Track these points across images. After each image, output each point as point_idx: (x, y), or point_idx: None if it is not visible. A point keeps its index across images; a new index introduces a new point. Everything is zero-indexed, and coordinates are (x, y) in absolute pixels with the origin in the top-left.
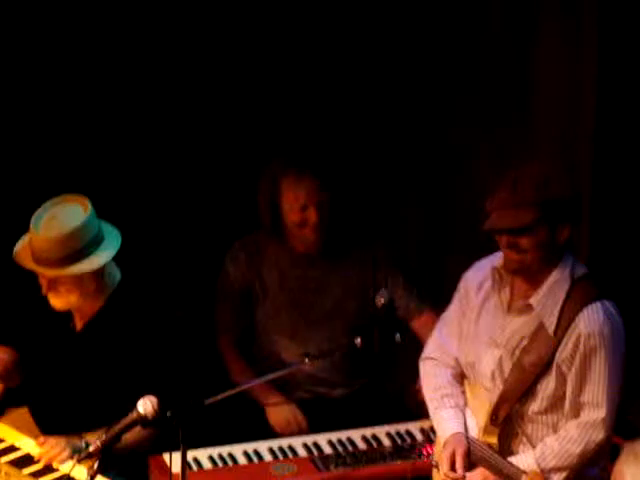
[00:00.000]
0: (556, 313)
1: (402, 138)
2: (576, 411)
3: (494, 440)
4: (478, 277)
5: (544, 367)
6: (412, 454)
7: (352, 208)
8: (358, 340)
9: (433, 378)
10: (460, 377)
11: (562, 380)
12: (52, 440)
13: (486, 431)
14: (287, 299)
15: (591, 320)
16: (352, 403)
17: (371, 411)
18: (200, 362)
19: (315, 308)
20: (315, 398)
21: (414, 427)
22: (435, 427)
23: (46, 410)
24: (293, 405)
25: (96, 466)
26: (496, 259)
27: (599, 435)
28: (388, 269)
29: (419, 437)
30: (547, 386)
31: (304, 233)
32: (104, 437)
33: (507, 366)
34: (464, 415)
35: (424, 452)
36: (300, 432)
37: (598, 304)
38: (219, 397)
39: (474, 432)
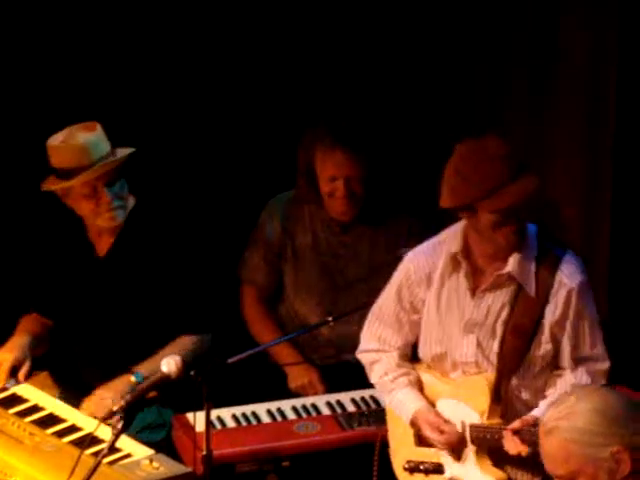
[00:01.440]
0: (533, 274)
1: (439, 119)
2: (575, 364)
3: (498, 420)
4: (423, 269)
5: (533, 332)
6: None
7: (387, 181)
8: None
9: (378, 364)
10: (407, 359)
11: (555, 341)
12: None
13: (490, 413)
14: (318, 263)
15: (573, 272)
16: None
17: None
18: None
19: (345, 274)
20: (337, 364)
21: None
22: (395, 409)
23: (81, 344)
24: (313, 368)
25: (120, 425)
26: (442, 246)
27: (604, 382)
28: (418, 239)
29: None
30: (540, 350)
31: (333, 204)
32: (128, 396)
33: (488, 345)
34: (420, 389)
35: None
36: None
37: (569, 256)
38: (242, 356)
39: (474, 419)
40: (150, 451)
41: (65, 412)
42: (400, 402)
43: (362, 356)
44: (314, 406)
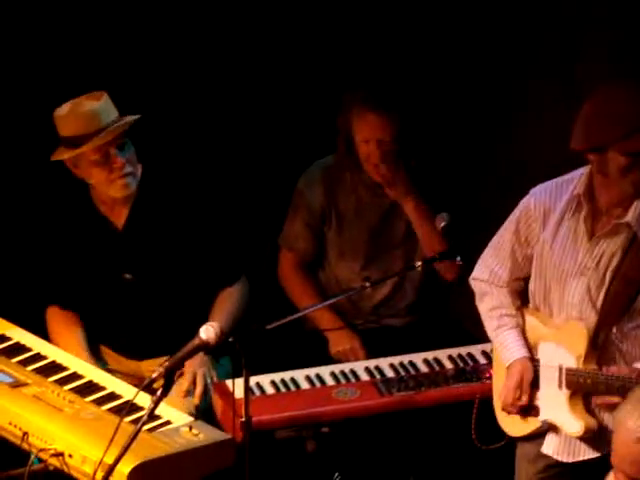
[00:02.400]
0: None
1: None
2: None
3: (594, 366)
4: (543, 205)
5: None
6: (474, 377)
7: (422, 145)
8: (419, 264)
9: (489, 297)
10: (516, 296)
11: None
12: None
13: (587, 359)
14: (363, 226)
15: None
16: (415, 331)
17: (433, 338)
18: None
19: (390, 234)
20: (379, 328)
21: (476, 350)
22: (497, 348)
23: (117, 324)
24: (354, 334)
25: (160, 392)
26: (569, 186)
27: None
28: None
29: (481, 360)
30: None
31: (368, 166)
32: (167, 363)
33: (596, 291)
34: (523, 331)
35: (486, 374)
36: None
37: None
38: (281, 322)
39: (571, 363)
40: (189, 418)
41: (103, 380)
42: (502, 344)
43: (474, 284)
44: (353, 372)
